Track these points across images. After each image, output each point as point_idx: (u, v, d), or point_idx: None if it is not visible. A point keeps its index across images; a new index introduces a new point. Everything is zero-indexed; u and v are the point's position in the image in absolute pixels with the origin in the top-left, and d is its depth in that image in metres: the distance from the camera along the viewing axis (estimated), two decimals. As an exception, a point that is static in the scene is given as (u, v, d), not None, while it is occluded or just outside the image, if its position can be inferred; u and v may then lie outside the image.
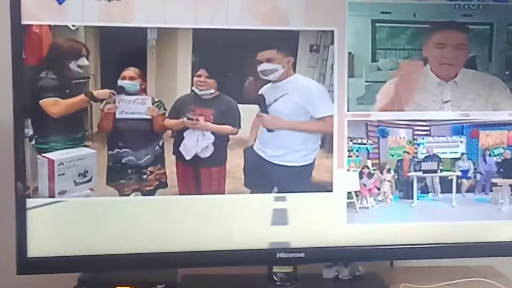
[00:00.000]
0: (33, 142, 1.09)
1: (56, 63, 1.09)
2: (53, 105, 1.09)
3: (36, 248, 1.09)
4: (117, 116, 1.12)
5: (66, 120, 1.10)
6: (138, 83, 1.12)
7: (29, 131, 1.08)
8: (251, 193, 1.15)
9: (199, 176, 1.15)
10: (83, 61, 1.10)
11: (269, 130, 1.16)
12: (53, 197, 1.10)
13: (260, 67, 1.13)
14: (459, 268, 1.30)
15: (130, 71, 1.11)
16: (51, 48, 1.08)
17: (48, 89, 1.09)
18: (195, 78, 1.13)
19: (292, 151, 1.17)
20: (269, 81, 1.14)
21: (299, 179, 1.17)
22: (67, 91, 1.10)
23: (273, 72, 1.14)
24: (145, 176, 1.14)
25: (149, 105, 1.12)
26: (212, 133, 1.14)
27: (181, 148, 1.14)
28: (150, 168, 1.14)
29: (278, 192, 1.16)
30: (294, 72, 1.15)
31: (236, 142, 1.15)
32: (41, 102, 1.08)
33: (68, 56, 1.09)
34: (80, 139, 1.12)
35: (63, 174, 1.10)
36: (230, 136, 1.15)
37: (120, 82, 1.11)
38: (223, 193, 1.15)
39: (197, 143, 1.14)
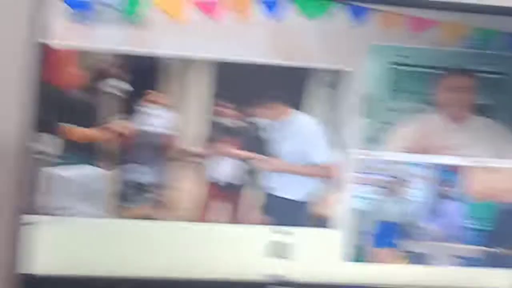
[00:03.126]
0: (41, 158, 1.08)
1: (84, 85, 1.09)
2: (75, 132, 1.09)
3: (36, 266, 1.08)
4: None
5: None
6: (160, 108, 1.11)
7: (39, 147, 1.08)
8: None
9: (208, 203, 1.15)
10: (113, 82, 1.09)
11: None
12: (57, 214, 1.09)
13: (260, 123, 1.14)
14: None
15: (154, 96, 1.11)
16: (81, 70, 1.08)
17: (72, 113, 1.09)
18: (220, 109, 1.13)
19: (290, 185, 1.17)
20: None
21: (295, 213, 1.17)
22: (91, 117, 1.10)
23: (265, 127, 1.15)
24: (148, 196, 1.13)
25: (167, 121, 1.11)
26: (238, 160, 1.14)
27: (215, 175, 1.14)
28: (154, 189, 1.13)
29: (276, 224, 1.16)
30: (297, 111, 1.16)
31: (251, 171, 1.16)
32: (63, 125, 1.08)
33: (97, 77, 1.09)
34: (91, 157, 1.11)
35: (67, 191, 1.09)
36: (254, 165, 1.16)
37: (142, 108, 1.10)
38: (225, 222, 1.15)
39: (221, 169, 1.15)
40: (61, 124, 1.08)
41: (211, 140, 1.14)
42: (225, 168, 1.15)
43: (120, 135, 1.11)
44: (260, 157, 1.15)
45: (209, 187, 1.15)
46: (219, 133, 1.14)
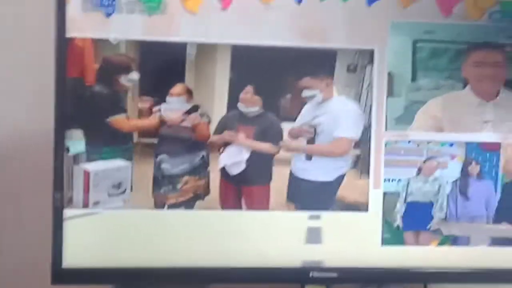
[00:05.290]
0: (73, 153, 1.10)
1: (105, 77, 1.10)
2: (123, 122, 1.10)
3: (71, 258, 1.10)
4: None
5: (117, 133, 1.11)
6: (184, 99, 1.12)
7: (70, 143, 1.09)
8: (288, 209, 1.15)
9: (239, 194, 1.15)
10: (134, 75, 1.11)
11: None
12: (87, 208, 1.11)
13: (303, 94, 1.13)
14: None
15: (178, 88, 1.11)
16: (102, 63, 1.09)
17: (114, 105, 1.11)
18: (242, 95, 1.13)
19: (315, 166, 1.16)
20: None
21: (322, 196, 1.16)
22: (115, 111, 1.11)
23: (313, 98, 1.14)
24: (179, 186, 1.14)
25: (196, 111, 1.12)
26: (250, 151, 1.14)
27: (218, 161, 1.14)
28: (185, 178, 1.14)
29: (304, 208, 1.15)
30: (333, 93, 1.15)
31: (279, 161, 1.15)
32: (110, 118, 1.10)
33: (118, 70, 1.10)
34: (122, 151, 1.12)
35: (98, 185, 1.11)
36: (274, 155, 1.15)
37: (168, 99, 1.11)
38: (260, 210, 1.15)
39: (229, 157, 1.14)
40: (115, 116, 1.10)
41: (235, 129, 1.14)
42: (243, 155, 1.14)
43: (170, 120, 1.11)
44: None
45: (235, 175, 1.14)
46: (241, 122, 1.14)
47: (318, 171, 1.16)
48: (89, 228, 1.11)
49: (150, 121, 1.12)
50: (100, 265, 1.11)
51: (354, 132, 1.15)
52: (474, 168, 1.18)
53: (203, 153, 1.14)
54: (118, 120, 1.11)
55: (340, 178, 1.16)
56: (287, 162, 1.15)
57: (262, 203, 1.15)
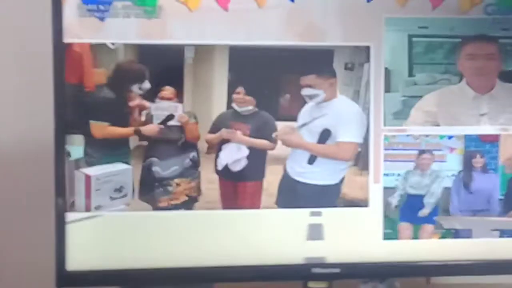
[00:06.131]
0: (73, 158, 1.11)
1: (117, 85, 1.11)
2: (100, 129, 1.11)
3: (75, 261, 1.11)
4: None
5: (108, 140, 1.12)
6: (173, 102, 1.13)
7: (70, 148, 1.10)
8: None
9: (236, 191, 1.16)
10: (146, 85, 1.11)
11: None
12: (90, 212, 1.12)
13: (303, 92, 1.14)
14: (498, 286, 1.27)
15: (168, 92, 1.12)
16: (115, 70, 1.10)
17: (101, 111, 1.11)
18: (234, 95, 1.14)
19: (317, 169, 1.16)
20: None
21: (323, 199, 1.16)
22: (119, 115, 1.12)
23: (316, 97, 1.14)
24: (170, 189, 1.14)
25: (179, 112, 1.13)
26: (248, 147, 1.15)
27: (217, 160, 1.15)
28: (176, 180, 1.14)
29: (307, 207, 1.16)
30: (337, 94, 1.15)
31: (273, 158, 1.16)
32: (91, 122, 1.11)
33: (131, 79, 1.11)
34: (120, 155, 1.13)
35: (99, 189, 1.12)
36: (268, 152, 1.15)
37: (157, 102, 1.12)
38: (259, 208, 1.15)
39: (230, 155, 1.15)
40: (89, 123, 1.10)
41: (229, 127, 1.14)
42: (243, 152, 1.15)
43: (146, 132, 1.13)
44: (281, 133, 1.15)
45: (230, 173, 1.15)
46: (236, 120, 1.15)
47: (321, 174, 1.16)
48: (92, 231, 1.12)
49: (126, 131, 1.12)
50: (104, 267, 1.12)
51: (360, 136, 1.15)
52: (478, 161, 1.19)
53: (193, 153, 1.15)
54: (95, 126, 1.11)
55: (343, 178, 1.17)
56: (281, 159, 1.16)
57: (255, 199, 1.15)
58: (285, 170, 1.16)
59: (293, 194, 1.16)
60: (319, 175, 1.16)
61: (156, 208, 1.14)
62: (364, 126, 1.15)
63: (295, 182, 1.16)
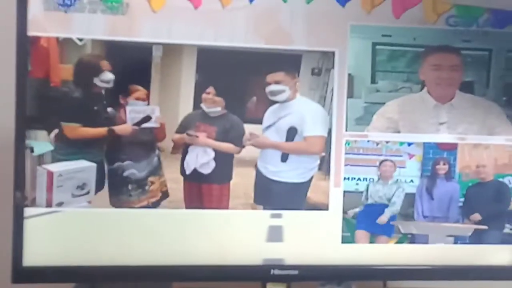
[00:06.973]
0: (35, 153, 1.10)
1: (80, 80, 1.10)
2: (73, 130, 1.10)
3: (32, 257, 1.10)
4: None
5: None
6: (145, 103, 1.13)
7: (30, 142, 1.09)
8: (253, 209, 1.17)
9: (201, 192, 1.16)
10: (107, 76, 1.11)
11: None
12: (51, 207, 1.11)
13: (268, 89, 1.15)
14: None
15: (141, 92, 1.12)
16: (76, 65, 1.09)
17: (71, 111, 1.11)
18: (204, 95, 1.14)
19: (289, 168, 1.18)
20: (275, 102, 1.16)
21: (294, 197, 1.18)
22: (89, 115, 1.12)
23: (281, 93, 1.16)
24: (147, 188, 1.14)
25: (157, 114, 1.13)
26: (214, 150, 1.15)
27: (184, 163, 1.15)
28: (151, 179, 1.14)
29: (274, 209, 1.17)
30: (297, 94, 1.17)
31: (240, 160, 1.16)
32: (63, 124, 1.10)
33: (91, 72, 1.10)
34: (89, 153, 1.13)
35: (61, 186, 1.11)
36: (234, 155, 1.16)
37: (131, 103, 1.12)
38: (222, 209, 1.16)
39: (197, 159, 1.15)
40: (54, 120, 1.10)
41: (196, 128, 1.15)
42: (209, 155, 1.16)
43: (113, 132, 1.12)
44: (253, 134, 1.16)
45: (197, 175, 1.15)
46: (203, 121, 1.15)
47: (292, 172, 1.18)
48: (51, 226, 1.11)
49: (99, 132, 1.12)
50: (62, 264, 1.11)
51: (324, 131, 1.17)
52: (442, 168, 1.22)
53: (157, 153, 1.15)
54: (68, 128, 1.11)
55: (311, 179, 1.18)
56: (253, 162, 1.17)
57: (222, 202, 1.16)
58: (257, 171, 1.17)
59: (269, 193, 1.17)
60: (290, 173, 1.18)
61: (123, 206, 1.13)
62: (327, 124, 1.17)
63: (270, 181, 1.17)
